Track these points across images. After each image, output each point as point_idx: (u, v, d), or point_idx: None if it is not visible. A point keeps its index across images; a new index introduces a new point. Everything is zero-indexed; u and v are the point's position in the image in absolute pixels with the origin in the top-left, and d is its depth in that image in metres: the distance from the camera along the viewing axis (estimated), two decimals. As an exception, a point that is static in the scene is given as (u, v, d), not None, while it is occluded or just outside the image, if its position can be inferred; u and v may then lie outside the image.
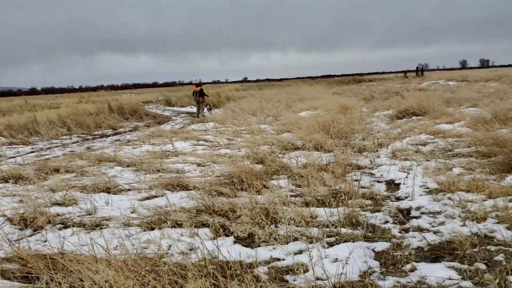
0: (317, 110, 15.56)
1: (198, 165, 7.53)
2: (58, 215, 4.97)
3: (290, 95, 29.64)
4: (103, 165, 7.93)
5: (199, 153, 8.68)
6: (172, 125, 16.23)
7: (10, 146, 11.57)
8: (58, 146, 11.42)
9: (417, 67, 63.10)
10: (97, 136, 13.51)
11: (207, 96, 18.98)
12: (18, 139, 12.50)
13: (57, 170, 7.43)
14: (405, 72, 64.67)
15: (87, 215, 4.93)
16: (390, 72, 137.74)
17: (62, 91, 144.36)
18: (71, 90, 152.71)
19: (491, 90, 17.72)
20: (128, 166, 7.73)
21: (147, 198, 5.44)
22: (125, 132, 14.39)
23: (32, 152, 10.55)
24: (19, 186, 6.49)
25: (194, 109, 25.21)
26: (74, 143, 11.93)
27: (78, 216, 4.86)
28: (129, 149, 9.67)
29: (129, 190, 5.94)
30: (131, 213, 4.91)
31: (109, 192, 5.80)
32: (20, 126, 14.06)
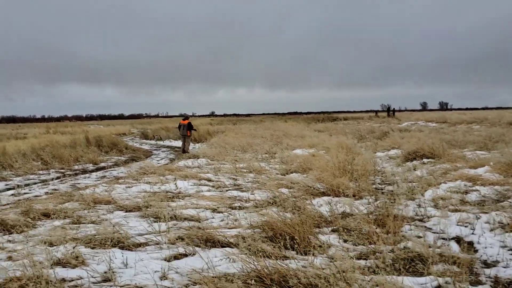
0: (312, 148, 14.92)
1: (214, 210, 6.56)
2: (63, 280, 3.89)
3: (269, 130, 29.12)
4: (99, 208, 6.83)
5: (207, 195, 7.71)
6: (158, 160, 15.11)
7: (-21, 182, 10.18)
8: (36, 183, 10.12)
9: (388, 107, 64.59)
10: (78, 171, 12.24)
11: (195, 130, 18.03)
12: (-13, 173, 11.10)
13: (46, 215, 6.29)
14: (376, 111, 66.03)
15: (103, 282, 3.87)
16: (360, 111, 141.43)
17: (24, 120, 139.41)
18: (34, 119, 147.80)
19: (481, 132, 17.67)
20: (130, 210, 6.66)
21: (175, 258, 4.42)
22: (109, 167, 13.17)
23: (8, 189, 9.24)
24: (2, 236, 5.32)
25: (173, 143, 24.17)
26: (54, 179, 10.65)
27: (93, 284, 3.80)
28: (123, 188, 8.57)
29: (146, 244, 4.89)
30: (161, 279, 3.89)
31: (122, 248, 4.74)
32: (-11, 158, 12.62)
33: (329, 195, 7.15)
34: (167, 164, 13.86)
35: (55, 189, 9.02)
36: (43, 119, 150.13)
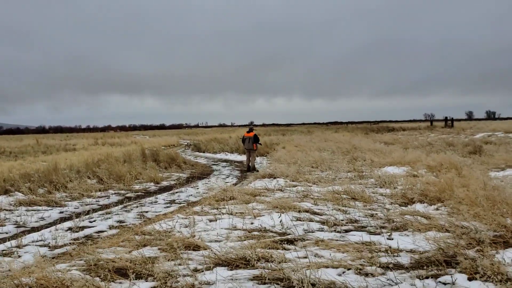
0: (405, 165, 12.60)
1: (359, 271, 4.46)
2: None
3: (328, 142, 26.84)
4: (189, 257, 4.90)
5: (325, 238, 5.63)
6: (223, 178, 13.22)
7: (29, 207, 8.56)
8: (96, 210, 8.39)
9: (446, 117, 60.72)
10: (140, 193, 10.50)
11: (261, 144, 16.09)
12: (38, 195, 9.51)
13: (122, 273, 4.40)
14: (431, 121, 62.22)
15: None
16: (403, 121, 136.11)
17: (70, 130, 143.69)
18: (79, 129, 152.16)
19: None
20: (235, 265, 4.67)
21: None
22: (173, 186, 11.40)
23: (63, 219, 7.53)
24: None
25: (229, 156, 22.35)
26: (116, 204, 8.92)
27: None
28: (206, 223, 6.65)
29: None
30: None
31: None
32: (40, 175, 11.11)
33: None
34: (236, 183, 11.94)
35: (121, 221, 7.21)
36: (88, 129, 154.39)
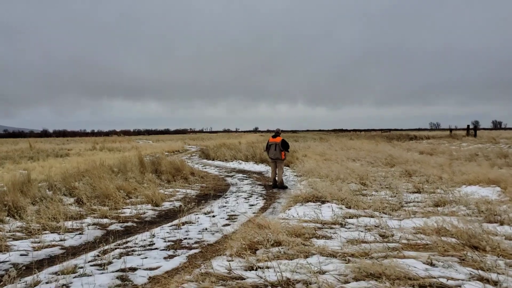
0: (491, 185, 9.35)
1: None
2: None
3: (353, 151, 23.57)
4: None
5: None
6: (245, 199, 9.96)
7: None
8: (52, 260, 5.15)
9: (468, 126, 57.29)
10: (130, 223, 7.25)
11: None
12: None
13: None
14: (450, 130, 58.71)
15: None
16: (420, 129, 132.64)
17: (74, 134, 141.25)
18: (83, 134, 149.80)
19: None
20: None
21: None
22: (176, 211, 8.18)
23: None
24: None
25: (244, 165, 19.09)
26: (89, 246, 5.66)
27: None
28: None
29: None
30: None
31: None
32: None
33: None
34: (264, 208, 8.71)
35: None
36: (92, 134, 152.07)
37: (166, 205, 9.00)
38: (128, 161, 14.09)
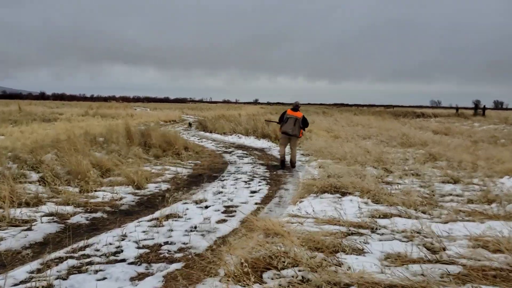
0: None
1: None
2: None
3: (361, 127, 22.01)
4: None
5: None
6: (247, 183, 8.42)
7: None
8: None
9: (476, 105, 55.52)
10: (99, 213, 5.72)
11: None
12: None
13: None
14: (456, 109, 56.91)
15: None
16: (419, 106, 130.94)
17: (72, 98, 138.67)
18: (82, 98, 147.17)
19: None
20: None
21: None
22: (161, 195, 6.67)
23: None
24: None
25: (244, 140, 17.49)
26: (37, 247, 4.14)
27: None
28: None
29: None
30: None
31: None
32: None
33: None
34: (268, 197, 7.19)
35: None
36: (91, 98, 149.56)
37: (151, 187, 7.47)
38: (115, 130, 12.50)
